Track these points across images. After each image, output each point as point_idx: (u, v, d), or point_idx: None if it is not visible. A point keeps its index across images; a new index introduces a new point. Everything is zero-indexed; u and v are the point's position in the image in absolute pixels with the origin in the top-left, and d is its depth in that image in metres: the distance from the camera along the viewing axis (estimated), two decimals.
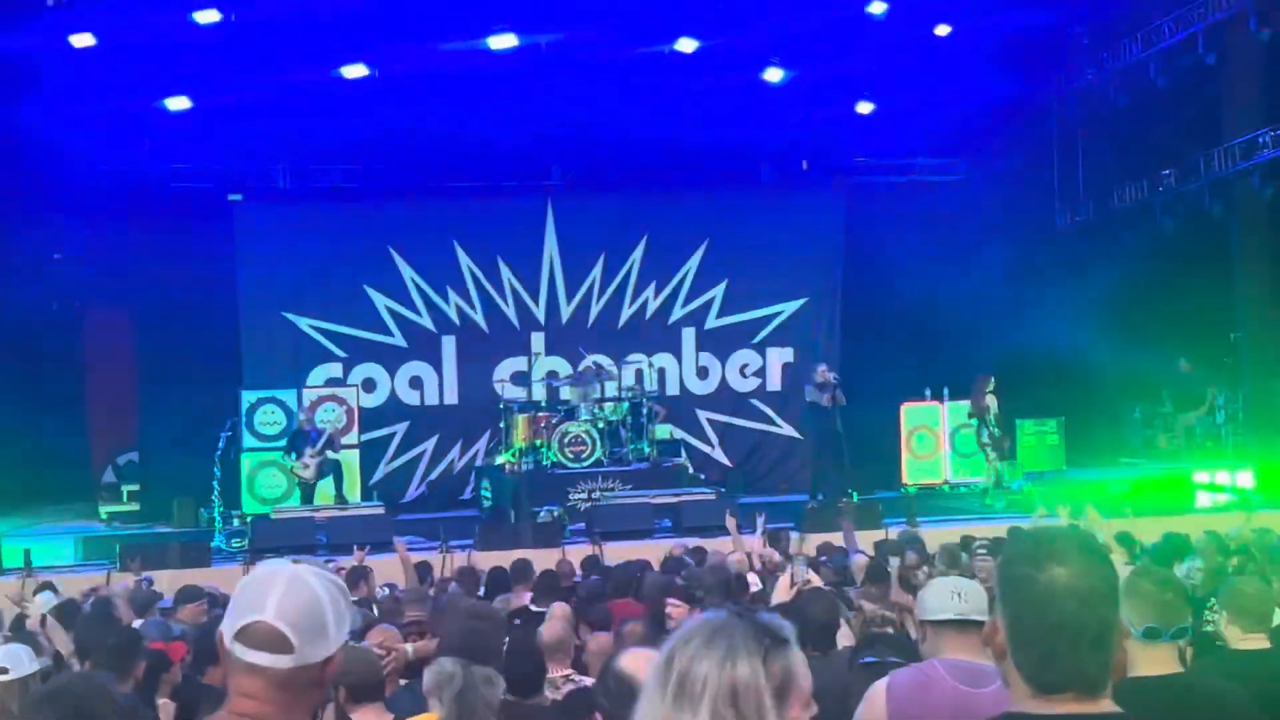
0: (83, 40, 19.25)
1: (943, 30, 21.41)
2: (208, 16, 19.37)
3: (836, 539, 13.97)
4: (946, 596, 4.75)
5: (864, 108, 22.38)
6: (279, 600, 2.57)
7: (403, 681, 6.15)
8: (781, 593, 7.58)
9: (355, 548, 13.09)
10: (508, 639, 5.47)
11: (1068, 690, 2.57)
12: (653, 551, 14.20)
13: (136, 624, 8.64)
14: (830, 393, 19.60)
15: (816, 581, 7.84)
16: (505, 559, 13.70)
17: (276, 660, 2.56)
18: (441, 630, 4.53)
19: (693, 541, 14.46)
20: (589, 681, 5.88)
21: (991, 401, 20.15)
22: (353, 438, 20.36)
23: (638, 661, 3.66)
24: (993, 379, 20.17)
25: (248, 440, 19.98)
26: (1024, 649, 2.61)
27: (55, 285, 23.07)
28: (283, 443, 19.22)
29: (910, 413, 21.88)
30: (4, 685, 5.75)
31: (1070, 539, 2.69)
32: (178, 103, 20.34)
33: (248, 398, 20.15)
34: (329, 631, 2.60)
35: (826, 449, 19.87)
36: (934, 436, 21.88)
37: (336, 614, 2.62)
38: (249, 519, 18.50)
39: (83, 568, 16.38)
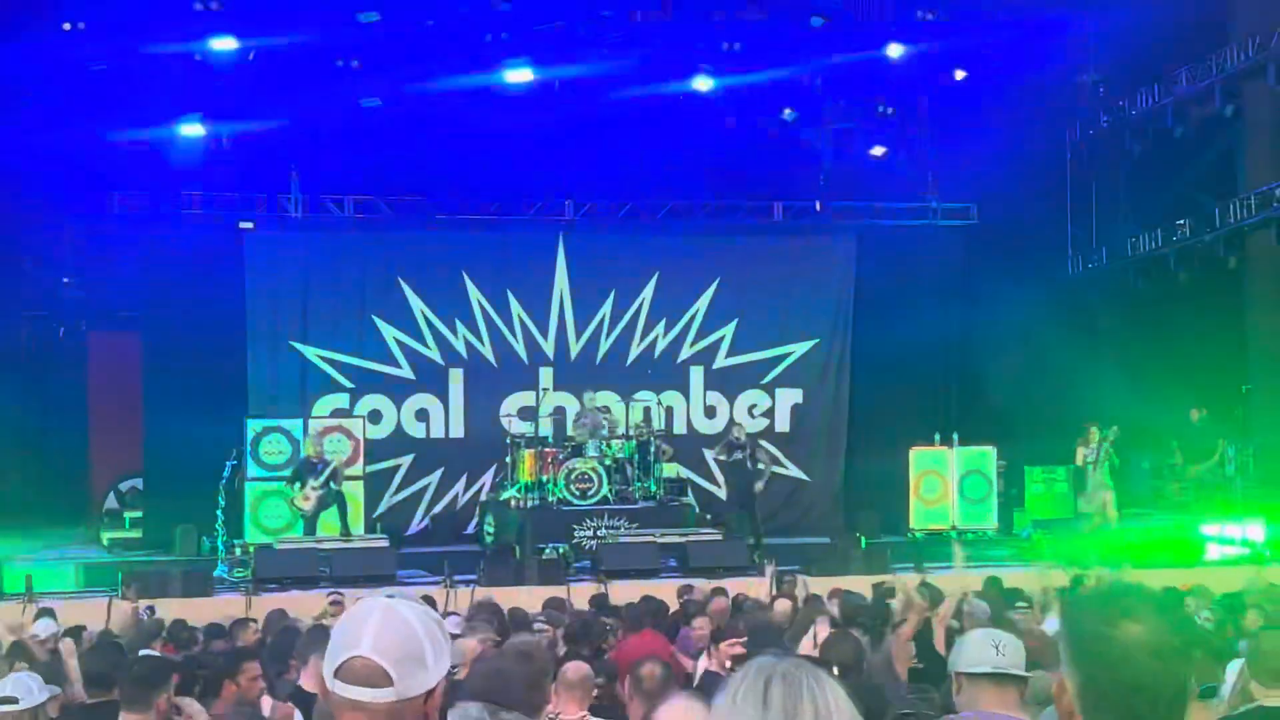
0: (96, 65, 19.22)
1: (959, 75, 21.42)
2: (224, 44, 19.38)
3: (848, 583, 13.78)
4: (985, 649, 4.62)
5: (877, 151, 22.36)
6: (375, 634, 2.53)
7: None
8: (807, 648, 7.46)
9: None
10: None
11: None
12: (659, 591, 14.07)
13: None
14: (746, 451, 19.71)
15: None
16: (510, 595, 13.61)
17: (377, 695, 2.51)
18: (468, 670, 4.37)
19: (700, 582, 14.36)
20: None
21: (1083, 452, 19.94)
22: (357, 469, 20.19)
23: (677, 715, 3.56)
24: (1092, 427, 19.87)
25: (252, 469, 19.83)
26: (1099, 710, 2.49)
27: (62, 310, 23.04)
28: (287, 473, 19.06)
29: (919, 457, 21.72)
30: (14, 716, 5.61)
31: (1142, 595, 2.59)
32: (191, 129, 20.32)
33: (253, 427, 20.02)
34: (428, 663, 2.55)
35: (745, 505, 19.91)
36: (942, 481, 21.70)
37: (434, 646, 2.57)
38: (252, 549, 18.34)
39: (84, 595, 16.22)
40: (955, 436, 21.61)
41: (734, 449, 19.81)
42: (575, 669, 5.77)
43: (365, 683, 2.51)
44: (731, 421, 20.91)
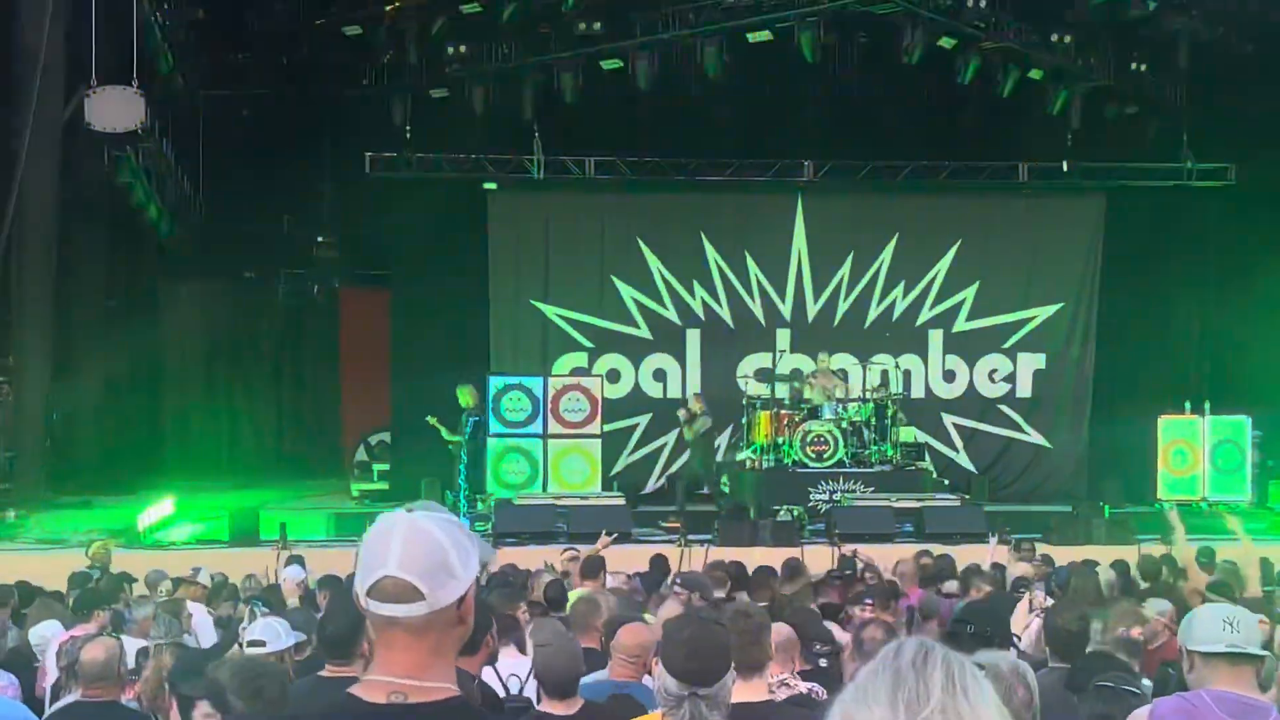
0: (351, 30, 19.82)
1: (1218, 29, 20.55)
2: (471, 7, 19.79)
3: (1091, 553, 13.41)
4: (1218, 626, 4.46)
5: (1130, 109, 21.61)
6: (401, 552, 2.59)
7: None
8: (1020, 618, 7.32)
9: (603, 533, 13.07)
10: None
11: None
12: (893, 555, 13.93)
13: None
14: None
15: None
16: (744, 555, 13.63)
17: (411, 610, 2.59)
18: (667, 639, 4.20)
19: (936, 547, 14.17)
20: (805, 688, 5.66)
21: None
22: (595, 428, 20.46)
23: None
24: None
25: (494, 425, 20.26)
26: None
27: (316, 268, 23.90)
28: (530, 429, 19.44)
29: (1168, 426, 20.96)
30: (261, 658, 5.81)
31: None
32: (438, 92, 20.80)
33: (495, 384, 20.44)
34: (456, 572, 2.62)
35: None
36: (1192, 451, 20.90)
37: (460, 553, 2.63)
38: (493, 503, 18.78)
39: (334, 543, 16.82)
40: (1207, 405, 20.81)
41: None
42: (778, 630, 5.71)
43: (397, 599, 2.59)
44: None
